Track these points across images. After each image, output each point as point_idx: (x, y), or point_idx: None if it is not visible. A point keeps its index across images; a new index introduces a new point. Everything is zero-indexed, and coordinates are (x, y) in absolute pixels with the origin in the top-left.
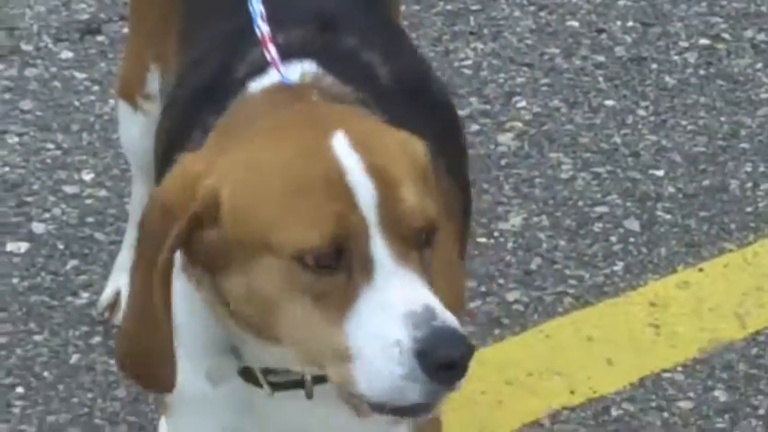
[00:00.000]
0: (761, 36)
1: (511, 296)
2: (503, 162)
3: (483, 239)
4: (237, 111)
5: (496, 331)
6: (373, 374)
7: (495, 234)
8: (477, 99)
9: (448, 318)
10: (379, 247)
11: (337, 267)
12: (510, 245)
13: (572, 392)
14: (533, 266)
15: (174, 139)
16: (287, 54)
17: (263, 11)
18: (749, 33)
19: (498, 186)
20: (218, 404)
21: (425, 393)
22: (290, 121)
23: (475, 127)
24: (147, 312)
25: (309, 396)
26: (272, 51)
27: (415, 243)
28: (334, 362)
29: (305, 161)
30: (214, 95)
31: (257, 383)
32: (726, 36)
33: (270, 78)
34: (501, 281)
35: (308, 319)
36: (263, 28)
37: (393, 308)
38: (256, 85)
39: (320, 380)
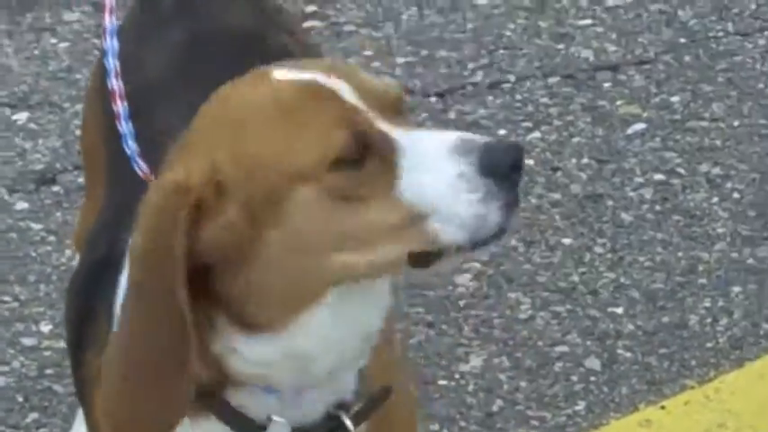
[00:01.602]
0: (716, 170)
1: None
2: (461, 303)
3: (444, 382)
4: None
5: None
6: (453, 215)
7: (456, 376)
8: None
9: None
10: (384, 123)
11: (365, 159)
12: (471, 387)
13: None
14: (495, 408)
15: (81, 325)
16: None
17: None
18: (704, 168)
19: (458, 328)
20: None
21: (504, 210)
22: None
23: None
24: (164, 329)
25: None
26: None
27: (400, 112)
28: (409, 234)
29: (275, 91)
30: (111, 274)
31: None
32: (681, 171)
33: None
34: (462, 423)
35: (366, 216)
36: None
37: (436, 152)
38: None
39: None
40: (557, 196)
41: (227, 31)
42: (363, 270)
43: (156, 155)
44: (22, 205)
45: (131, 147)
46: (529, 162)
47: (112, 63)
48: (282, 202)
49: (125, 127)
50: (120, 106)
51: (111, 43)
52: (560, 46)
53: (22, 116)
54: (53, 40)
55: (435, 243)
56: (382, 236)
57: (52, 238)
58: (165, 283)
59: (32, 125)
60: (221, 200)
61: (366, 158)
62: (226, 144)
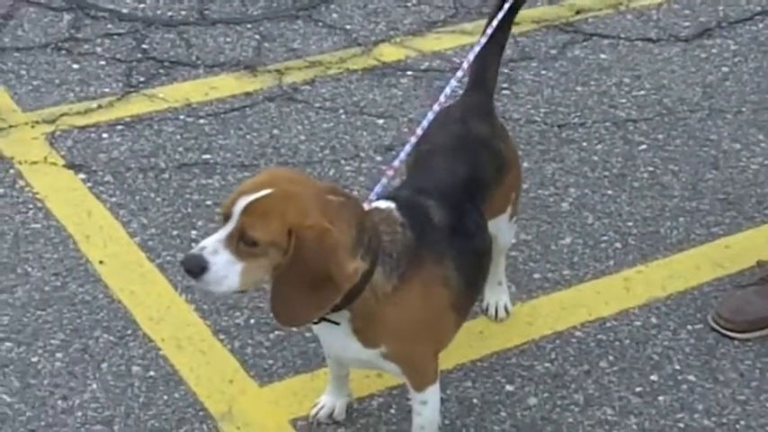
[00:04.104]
0: None
1: None
2: None
3: None
4: None
5: None
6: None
7: None
8: None
9: (199, 248)
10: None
11: None
12: None
13: None
14: None
15: None
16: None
17: None
18: None
19: None
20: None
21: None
22: None
23: None
24: None
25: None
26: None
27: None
28: None
29: None
30: None
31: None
32: None
33: None
34: None
35: None
36: None
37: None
38: None
39: (332, 318)
40: None
41: (475, 134)
42: None
43: (411, 177)
44: None
45: (397, 164)
46: None
47: (427, 120)
48: None
49: (403, 153)
50: (413, 137)
51: (429, 116)
52: None
53: None
54: None
55: None
56: None
57: None
58: None
59: None
60: None
61: None
62: None
